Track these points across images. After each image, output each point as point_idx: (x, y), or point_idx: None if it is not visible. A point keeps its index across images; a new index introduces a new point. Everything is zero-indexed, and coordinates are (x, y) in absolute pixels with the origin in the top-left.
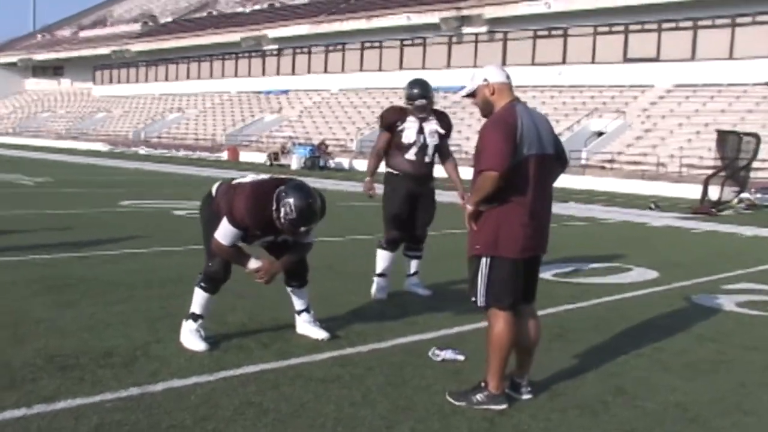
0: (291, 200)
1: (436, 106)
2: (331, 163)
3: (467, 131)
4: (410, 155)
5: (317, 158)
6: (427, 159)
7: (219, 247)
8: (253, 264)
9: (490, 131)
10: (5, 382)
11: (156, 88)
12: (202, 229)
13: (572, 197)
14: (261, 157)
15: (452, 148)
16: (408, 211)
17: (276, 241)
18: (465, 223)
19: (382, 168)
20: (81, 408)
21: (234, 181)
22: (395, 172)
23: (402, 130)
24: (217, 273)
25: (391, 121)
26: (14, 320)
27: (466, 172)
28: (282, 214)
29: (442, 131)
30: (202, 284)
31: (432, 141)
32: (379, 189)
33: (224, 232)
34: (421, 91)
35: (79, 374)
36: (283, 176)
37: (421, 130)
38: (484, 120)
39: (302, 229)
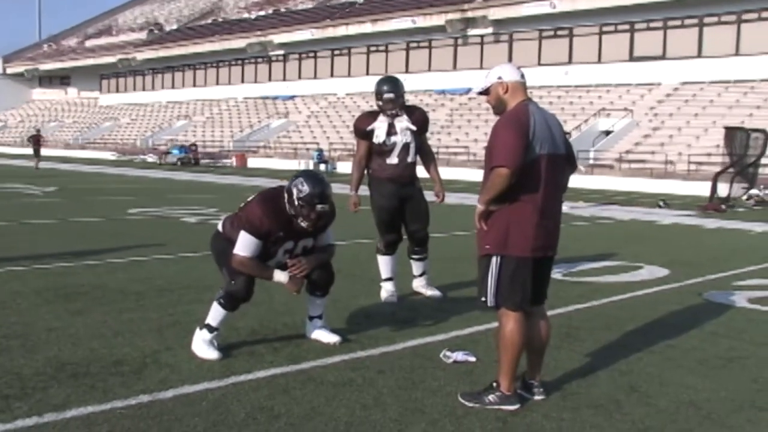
0: (300, 179)
1: (445, 107)
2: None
3: (475, 133)
4: (392, 159)
5: (192, 156)
6: (409, 159)
7: (240, 262)
8: (279, 276)
9: (502, 129)
10: (16, 390)
11: (163, 95)
12: (216, 262)
13: (581, 197)
14: (269, 162)
15: (459, 150)
16: (398, 213)
17: (296, 251)
18: (475, 222)
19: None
20: (92, 416)
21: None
22: (379, 177)
23: (372, 130)
24: (239, 292)
25: (363, 127)
26: (24, 329)
27: (475, 174)
28: (295, 196)
29: (413, 127)
30: (221, 300)
31: (405, 138)
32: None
33: (243, 243)
34: (389, 86)
35: (89, 382)
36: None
37: (391, 128)
38: (492, 121)
39: (319, 207)
